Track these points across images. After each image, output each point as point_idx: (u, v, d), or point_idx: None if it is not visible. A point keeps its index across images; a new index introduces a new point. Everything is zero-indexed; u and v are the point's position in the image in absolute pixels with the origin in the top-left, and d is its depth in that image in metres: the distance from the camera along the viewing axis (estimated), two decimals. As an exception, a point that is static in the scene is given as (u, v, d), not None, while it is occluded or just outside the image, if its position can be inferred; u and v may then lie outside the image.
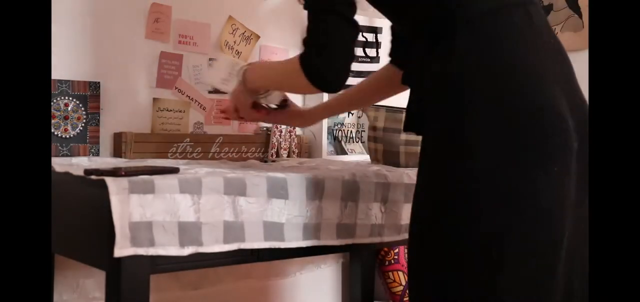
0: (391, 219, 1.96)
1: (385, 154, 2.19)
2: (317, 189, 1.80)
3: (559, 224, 1.42)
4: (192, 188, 1.59)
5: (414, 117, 1.57)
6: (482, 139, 1.40)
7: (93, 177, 1.55)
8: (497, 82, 1.42)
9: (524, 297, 1.41)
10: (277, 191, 1.72)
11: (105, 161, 2.07)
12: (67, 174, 1.68)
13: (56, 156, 2.06)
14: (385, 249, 2.74)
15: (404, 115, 2.18)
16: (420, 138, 2.14)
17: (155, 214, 1.53)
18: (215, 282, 2.44)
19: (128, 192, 1.50)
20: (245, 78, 1.85)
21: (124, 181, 1.50)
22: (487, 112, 1.41)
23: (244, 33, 2.45)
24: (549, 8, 2.62)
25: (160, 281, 2.27)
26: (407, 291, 2.75)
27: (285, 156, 2.46)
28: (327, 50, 1.59)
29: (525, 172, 1.39)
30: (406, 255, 2.79)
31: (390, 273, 2.76)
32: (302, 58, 1.60)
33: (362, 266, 2.70)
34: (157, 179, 1.55)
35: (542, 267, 1.42)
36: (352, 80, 2.57)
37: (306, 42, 1.60)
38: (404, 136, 2.17)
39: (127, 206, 1.50)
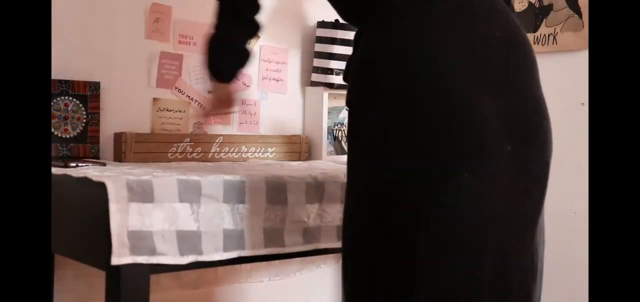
0: None
1: None
2: (317, 192, 1.79)
3: (472, 230, 1.33)
4: (191, 197, 1.58)
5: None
6: (391, 144, 1.34)
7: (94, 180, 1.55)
8: (408, 79, 1.33)
9: None
10: (276, 195, 1.71)
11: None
12: (67, 176, 1.68)
13: (56, 156, 2.06)
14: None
15: None
16: None
17: (154, 223, 1.53)
18: (215, 282, 2.45)
19: (127, 200, 1.50)
20: None
21: (123, 189, 1.50)
22: (397, 113, 1.34)
23: (244, 33, 2.45)
24: (549, 8, 2.62)
25: (160, 281, 2.27)
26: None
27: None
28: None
29: (431, 181, 1.31)
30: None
31: (390, 273, 2.75)
32: None
33: (362, 266, 2.70)
34: (157, 187, 1.54)
35: (460, 278, 1.34)
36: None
37: None
38: None
39: (126, 214, 1.50)
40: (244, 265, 2.34)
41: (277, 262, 2.52)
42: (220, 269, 2.42)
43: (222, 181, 1.64)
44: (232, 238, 1.65)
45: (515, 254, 1.39)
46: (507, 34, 1.42)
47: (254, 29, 1.73)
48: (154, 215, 1.53)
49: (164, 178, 1.57)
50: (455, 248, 1.32)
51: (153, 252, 1.53)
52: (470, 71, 1.34)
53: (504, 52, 1.40)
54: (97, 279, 2.16)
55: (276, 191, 1.72)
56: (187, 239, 1.57)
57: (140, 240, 1.51)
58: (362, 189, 1.40)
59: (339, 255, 2.81)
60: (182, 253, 1.57)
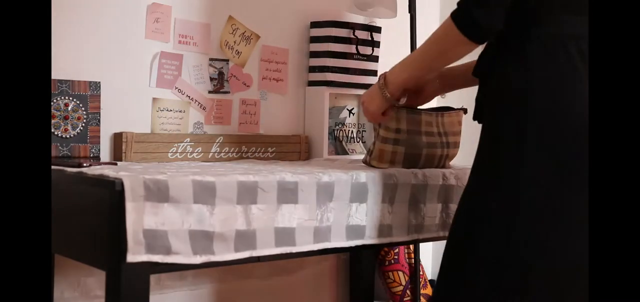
0: (399, 219, 1.96)
1: (406, 157, 2.05)
2: (326, 192, 1.80)
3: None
4: (206, 198, 1.59)
5: (478, 109, 1.71)
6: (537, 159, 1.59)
7: (110, 178, 1.56)
8: (550, 110, 1.58)
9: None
10: (287, 195, 1.73)
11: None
12: (68, 174, 1.68)
13: (56, 156, 2.06)
14: (385, 249, 2.74)
15: (422, 116, 2.08)
16: (439, 140, 2.13)
17: (169, 223, 1.54)
18: (216, 280, 2.45)
19: (143, 200, 1.51)
20: (387, 82, 1.90)
21: (140, 188, 1.51)
22: (546, 133, 1.59)
23: (244, 33, 2.45)
24: (549, 8, 2.62)
25: (160, 280, 2.27)
26: (410, 286, 2.75)
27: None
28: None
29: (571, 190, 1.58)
30: (406, 255, 2.79)
31: (390, 273, 2.76)
32: (457, 15, 1.68)
33: (362, 266, 2.70)
34: (173, 187, 1.55)
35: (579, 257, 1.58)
36: (348, 78, 2.57)
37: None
38: (425, 139, 2.08)
39: (142, 213, 1.51)
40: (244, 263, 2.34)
41: (277, 261, 2.52)
42: (222, 267, 2.42)
43: (236, 182, 1.65)
44: (244, 238, 1.66)
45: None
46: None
47: None
48: (169, 214, 1.54)
49: (180, 178, 1.58)
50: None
51: (168, 251, 1.54)
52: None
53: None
54: (99, 278, 2.16)
55: (288, 192, 1.73)
56: (200, 239, 1.59)
57: (155, 239, 1.52)
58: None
59: (341, 253, 2.81)
60: (195, 253, 1.58)
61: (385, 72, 1.91)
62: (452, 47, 1.71)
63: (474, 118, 1.74)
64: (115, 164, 1.97)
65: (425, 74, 1.95)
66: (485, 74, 1.72)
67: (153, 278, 1.59)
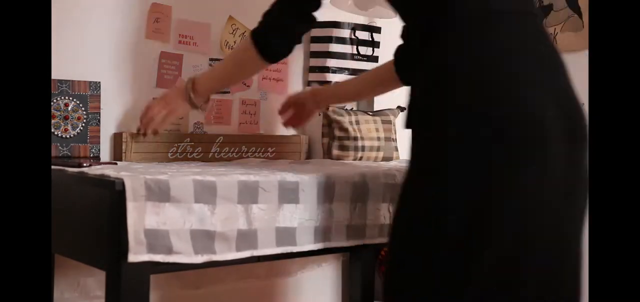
0: None
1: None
2: (327, 192, 1.81)
3: (533, 215, 1.46)
4: (207, 197, 1.60)
5: (408, 115, 1.58)
6: (455, 158, 1.46)
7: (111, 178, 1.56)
8: (476, 90, 1.46)
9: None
10: (288, 195, 1.73)
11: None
12: (69, 174, 1.68)
13: (56, 156, 2.06)
14: (386, 249, 2.74)
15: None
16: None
17: (170, 222, 1.55)
18: (216, 281, 2.45)
19: (145, 199, 1.51)
20: (196, 88, 1.98)
21: (141, 188, 1.51)
22: (464, 122, 1.45)
23: (244, 33, 2.45)
24: (549, 8, 2.62)
25: (160, 280, 2.27)
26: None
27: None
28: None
29: (507, 168, 1.44)
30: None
31: (390, 273, 2.75)
32: (255, 35, 1.84)
33: (362, 266, 2.70)
34: (174, 187, 1.55)
35: (522, 250, 1.47)
36: (346, 78, 2.57)
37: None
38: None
39: (143, 213, 1.51)
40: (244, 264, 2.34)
41: (277, 261, 2.52)
42: (222, 268, 2.42)
43: (237, 181, 1.65)
44: (245, 238, 1.66)
45: (560, 253, 1.51)
46: (549, 47, 1.58)
47: (309, 24, 1.89)
48: (170, 214, 1.55)
49: (181, 178, 1.58)
50: (524, 228, 1.46)
51: (170, 251, 1.55)
52: (535, 80, 1.47)
53: (552, 62, 1.55)
54: (99, 278, 2.16)
55: (289, 192, 1.74)
56: (201, 239, 1.59)
57: (157, 238, 1.53)
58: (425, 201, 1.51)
59: (340, 253, 2.81)
60: (196, 252, 1.59)
61: (193, 78, 2.00)
62: (250, 63, 1.89)
63: (406, 126, 1.61)
64: (115, 163, 1.97)
65: (227, 85, 2.16)
66: (409, 80, 1.64)
67: (153, 278, 1.59)
